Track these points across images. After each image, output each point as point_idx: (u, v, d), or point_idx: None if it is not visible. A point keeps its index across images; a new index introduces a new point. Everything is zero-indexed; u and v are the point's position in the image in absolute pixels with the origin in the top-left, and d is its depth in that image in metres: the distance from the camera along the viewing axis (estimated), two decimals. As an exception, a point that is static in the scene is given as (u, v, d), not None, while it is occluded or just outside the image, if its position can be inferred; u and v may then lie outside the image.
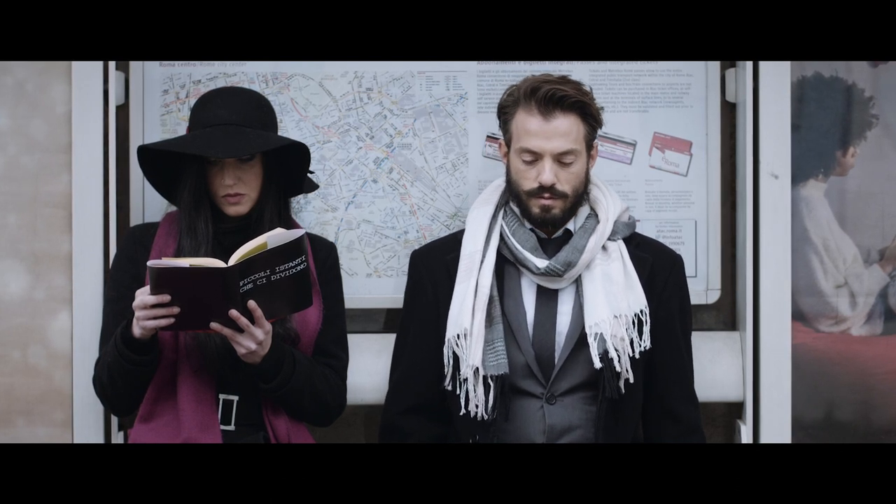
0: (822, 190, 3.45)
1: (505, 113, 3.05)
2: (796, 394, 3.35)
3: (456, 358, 3.02)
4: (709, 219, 3.43)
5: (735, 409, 3.41)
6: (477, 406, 2.99)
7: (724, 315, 3.48)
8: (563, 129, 2.98)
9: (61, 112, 3.30)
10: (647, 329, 3.02)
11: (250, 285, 2.82)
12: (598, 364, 2.97)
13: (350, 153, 3.41)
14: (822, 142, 3.44)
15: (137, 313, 2.85)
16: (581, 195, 3.05)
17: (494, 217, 3.10)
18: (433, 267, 3.13)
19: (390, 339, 3.22)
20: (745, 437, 3.34)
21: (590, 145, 3.04)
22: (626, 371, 2.99)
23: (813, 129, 3.44)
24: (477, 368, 2.98)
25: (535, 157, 2.99)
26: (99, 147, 3.29)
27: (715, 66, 3.42)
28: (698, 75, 3.42)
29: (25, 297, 3.30)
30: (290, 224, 3.10)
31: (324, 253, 3.17)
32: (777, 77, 3.34)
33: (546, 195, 3.00)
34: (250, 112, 3.07)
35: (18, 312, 3.30)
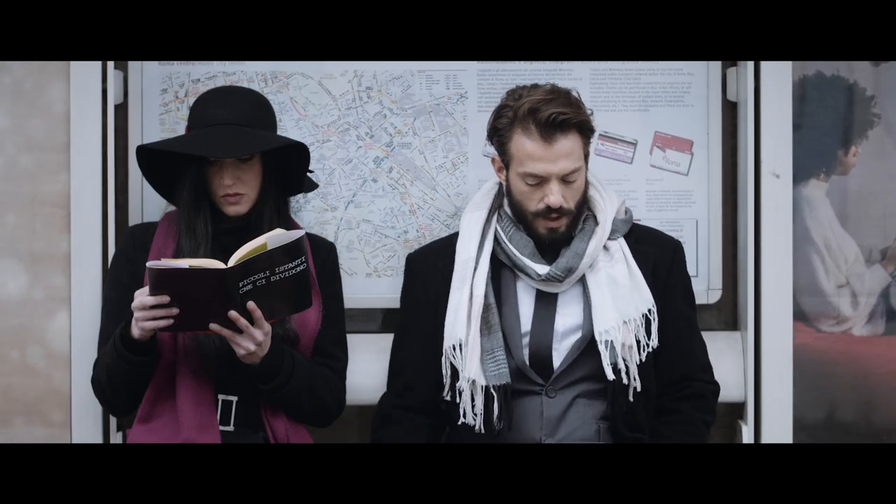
0: (824, 189, 3.44)
1: (500, 134, 3.01)
2: (797, 394, 3.35)
3: (454, 368, 3.01)
4: (710, 218, 3.42)
5: (736, 410, 3.40)
6: (476, 416, 2.98)
7: (725, 315, 3.48)
8: (566, 151, 2.95)
9: (60, 111, 3.29)
10: (654, 328, 3.01)
11: (250, 286, 2.81)
12: (611, 376, 2.97)
13: (350, 152, 3.41)
14: (823, 141, 3.44)
15: (136, 314, 2.84)
16: (583, 204, 3.04)
17: (488, 221, 3.08)
18: (428, 271, 3.12)
19: (390, 339, 3.21)
20: (747, 437, 3.33)
21: (587, 154, 3.02)
22: (634, 380, 2.98)
23: (814, 128, 3.43)
24: (474, 380, 2.97)
25: (540, 181, 2.97)
26: (97, 146, 3.28)
27: (716, 65, 3.42)
28: (699, 74, 3.41)
29: (24, 297, 3.30)
30: (290, 223, 3.10)
31: (323, 253, 3.16)
32: (778, 76, 3.33)
33: (553, 215, 2.98)
34: (249, 111, 3.06)
35: (17, 312, 3.30)
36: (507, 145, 3.00)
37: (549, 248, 3.03)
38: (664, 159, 3.42)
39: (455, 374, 3.02)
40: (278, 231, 2.85)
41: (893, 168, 3.45)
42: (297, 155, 3.06)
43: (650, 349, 3.01)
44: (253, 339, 2.86)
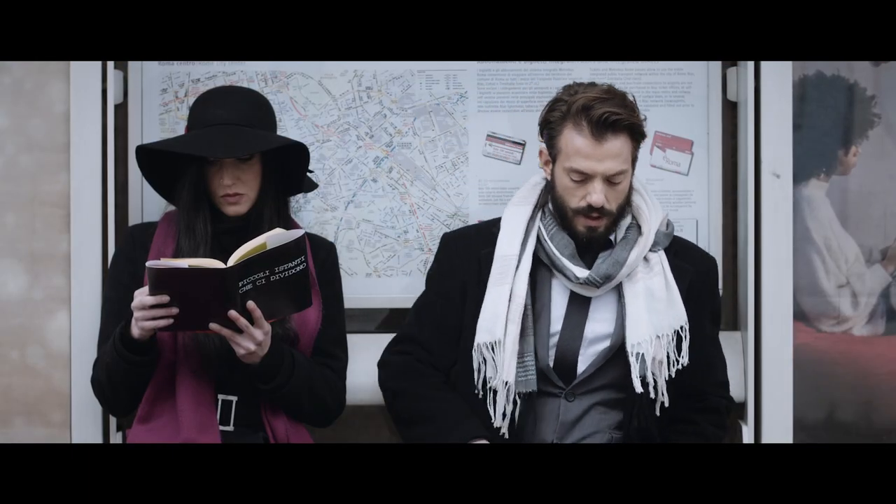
0: (824, 189, 3.44)
1: (550, 127, 2.99)
2: (798, 394, 3.34)
3: (485, 363, 2.99)
4: (710, 218, 3.42)
5: (736, 410, 3.40)
6: (504, 416, 2.97)
7: (726, 315, 3.47)
8: (614, 151, 2.93)
9: (59, 111, 3.29)
10: (685, 345, 3.00)
11: (249, 286, 2.81)
12: (639, 388, 2.96)
13: (349, 152, 3.40)
14: (823, 141, 3.44)
15: (136, 314, 2.84)
16: (625, 208, 3.02)
17: (532, 218, 3.06)
18: (465, 257, 3.08)
19: (390, 339, 3.21)
20: (747, 437, 3.33)
21: (635, 158, 3.00)
22: (662, 395, 2.98)
23: (814, 128, 3.43)
24: (507, 382, 2.96)
25: (585, 178, 2.95)
26: (97, 146, 3.28)
27: (716, 65, 3.42)
28: (699, 74, 3.41)
29: (24, 297, 3.29)
30: (290, 223, 3.09)
31: (323, 253, 3.16)
32: (778, 76, 3.33)
33: (594, 214, 2.96)
34: (249, 111, 3.06)
35: (16, 312, 3.29)
36: (556, 139, 2.98)
37: (587, 247, 3.00)
38: (664, 159, 3.42)
39: (485, 369, 3.00)
40: (278, 231, 2.85)
41: (894, 168, 3.45)
42: (296, 155, 3.06)
43: (680, 366, 2.99)
44: (253, 338, 2.86)
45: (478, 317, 3.02)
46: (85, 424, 3.27)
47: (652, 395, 2.98)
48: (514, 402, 2.97)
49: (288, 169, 3.09)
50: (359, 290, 3.38)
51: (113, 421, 3.28)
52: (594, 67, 3.40)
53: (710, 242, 3.41)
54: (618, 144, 2.93)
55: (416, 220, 3.41)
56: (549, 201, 3.04)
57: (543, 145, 3.03)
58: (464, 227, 3.27)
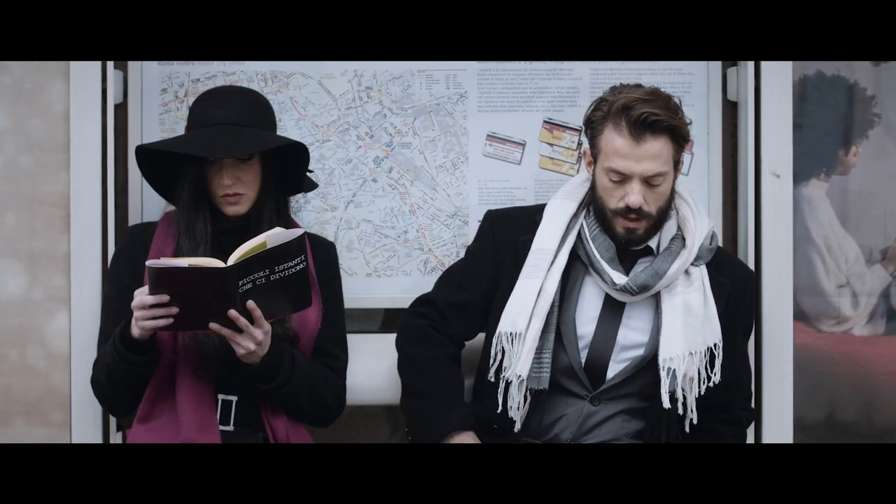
0: (824, 189, 3.44)
1: (593, 126, 2.97)
2: (798, 394, 3.34)
3: (503, 353, 2.99)
4: (710, 218, 3.40)
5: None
6: (518, 412, 2.97)
7: (726, 315, 3.47)
8: (653, 153, 2.91)
9: (59, 111, 3.29)
10: (718, 363, 2.98)
11: (249, 285, 2.81)
12: (667, 404, 2.95)
13: (349, 152, 3.40)
14: (823, 141, 3.43)
15: (136, 314, 2.84)
16: (666, 212, 3.00)
17: (576, 215, 3.04)
18: (505, 240, 3.07)
19: (390, 339, 3.21)
20: (748, 437, 3.31)
21: (677, 161, 2.98)
22: (691, 412, 2.97)
23: (815, 128, 3.43)
24: (520, 376, 2.96)
25: (623, 178, 2.93)
26: (97, 146, 3.28)
27: (716, 64, 3.41)
28: (699, 74, 3.41)
29: (23, 297, 3.29)
30: (290, 223, 3.09)
31: (323, 252, 3.16)
32: (779, 76, 3.33)
33: (632, 216, 2.94)
34: (249, 111, 3.06)
35: (16, 312, 3.29)
36: (597, 138, 2.96)
37: (626, 248, 2.99)
38: (664, 159, 3.42)
39: (502, 358, 3.00)
40: (278, 230, 2.85)
41: (894, 168, 3.45)
42: (296, 155, 3.06)
43: (712, 383, 2.98)
44: (253, 338, 2.86)
45: (505, 303, 3.01)
46: (85, 424, 3.27)
47: (680, 412, 2.96)
48: (525, 397, 2.97)
49: (288, 169, 3.09)
50: (359, 290, 3.38)
51: (113, 421, 3.28)
52: (594, 67, 3.40)
53: (711, 242, 3.41)
54: (657, 146, 2.91)
55: (416, 220, 3.41)
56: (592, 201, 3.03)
57: (587, 145, 3.03)
58: (510, 207, 3.23)
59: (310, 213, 3.39)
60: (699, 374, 2.96)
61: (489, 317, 3.06)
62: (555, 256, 3.00)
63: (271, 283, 2.82)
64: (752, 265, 3.31)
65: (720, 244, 3.15)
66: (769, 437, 3.32)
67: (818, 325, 3.45)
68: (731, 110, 3.43)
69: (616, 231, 2.97)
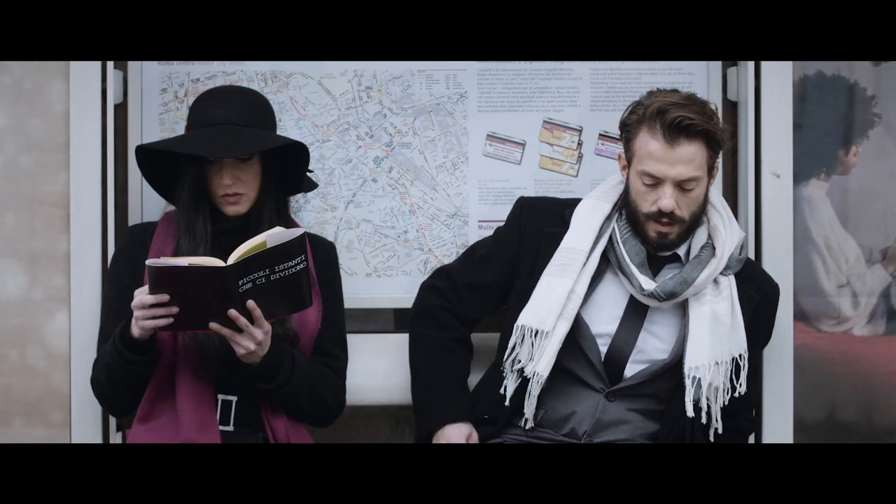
0: (825, 189, 3.44)
1: (627, 130, 2.98)
2: (798, 394, 3.34)
3: (521, 344, 3.00)
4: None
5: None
6: (526, 404, 2.98)
7: (726, 315, 3.47)
8: (686, 157, 2.91)
9: (59, 111, 3.29)
10: (743, 374, 2.98)
11: (249, 284, 2.80)
12: (691, 413, 2.95)
13: (349, 152, 3.40)
14: (824, 141, 3.43)
15: (136, 313, 2.84)
16: (699, 218, 3.00)
17: (609, 217, 3.04)
18: (532, 228, 3.08)
19: (390, 339, 3.21)
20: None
21: (711, 167, 2.97)
22: (716, 421, 2.97)
23: (815, 128, 3.42)
24: (537, 373, 2.96)
25: (656, 182, 2.93)
26: (97, 146, 3.28)
27: (716, 64, 3.41)
28: (700, 74, 3.41)
29: (23, 297, 3.29)
30: (290, 223, 3.09)
31: (323, 253, 3.15)
32: (779, 76, 3.33)
33: (664, 220, 2.94)
34: (249, 111, 3.06)
35: (16, 312, 3.29)
36: (632, 142, 2.97)
37: (656, 253, 2.99)
38: (664, 159, 3.41)
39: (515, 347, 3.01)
40: (278, 229, 2.85)
41: (894, 168, 3.45)
42: (296, 155, 3.06)
43: (737, 394, 2.98)
44: (253, 338, 2.85)
45: (524, 292, 3.01)
46: (85, 424, 3.27)
47: (703, 420, 2.96)
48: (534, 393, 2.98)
49: (288, 169, 3.08)
50: (359, 290, 3.38)
51: (113, 421, 3.28)
52: (594, 67, 3.40)
53: (711, 242, 3.41)
54: (691, 150, 2.91)
55: (416, 220, 3.41)
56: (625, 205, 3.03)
57: (622, 149, 3.03)
58: (542, 196, 3.26)
59: (310, 213, 3.39)
60: (723, 384, 2.96)
61: (506, 305, 3.06)
62: (587, 258, 3.00)
63: (271, 283, 2.82)
64: (752, 265, 3.31)
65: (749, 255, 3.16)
66: (769, 437, 3.32)
67: (818, 325, 3.45)
68: (731, 110, 3.43)
69: (648, 235, 2.97)
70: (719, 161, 3.02)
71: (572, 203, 3.09)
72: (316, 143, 3.39)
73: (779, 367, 3.32)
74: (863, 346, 3.46)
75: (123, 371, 2.94)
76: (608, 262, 3.03)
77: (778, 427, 3.32)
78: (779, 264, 3.32)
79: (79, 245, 3.27)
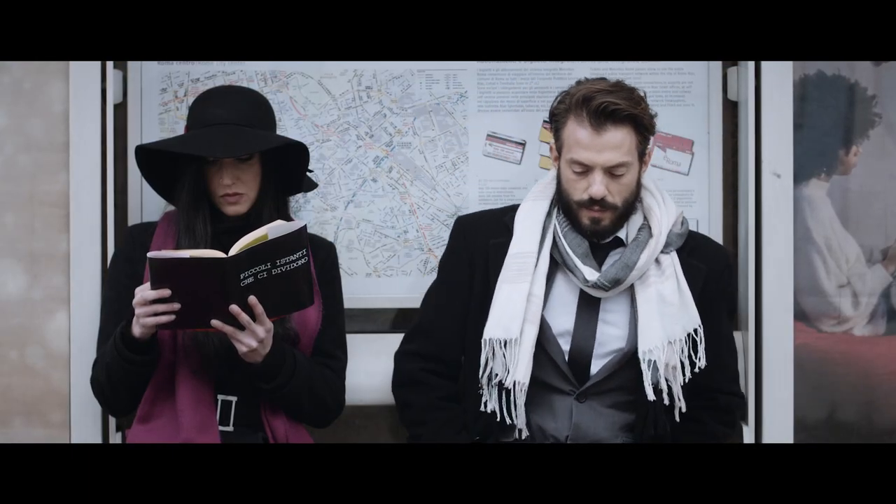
0: (825, 189, 3.44)
1: (556, 120, 2.99)
2: (799, 394, 3.34)
3: (492, 358, 2.99)
4: (710, 218, 3.41)
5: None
6: (514, 415, 2.97)
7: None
8: (614, 143, 2.91)
9: (59, 111, 3.29)
10: (701, 348, 2.99)
11: (251, 279, 2.80)
12: (651, 396, 2.95)
13: (349, 152, 3.40)
14: (824, 141, 3.43)
15: (137, 310, 2.83)
16: (632, 204, 3.00)
17: (549, 214, 3.05)
18: (475, 246, 3.07)
19: (390, 339, 3.21)
20: (748, 437, 3.32)
21: (642, 153, 2.98)
22: (679, 400, 2.97)
23: (815, 127, 3.42)
24: (518, 382, 2.95)
25: (586, 169, 2.93)
26: (97, 146, 3.27)
27: (717, 64, 3.41)
28: (700, 74, 3.41)
29: (23, 297, 3.29)
30: (290, 223, 3.09)
31: (323, 253, 3.15)
32: (779, 75, 3.33)
33: (596, 207, 2.94)
34: (249, 111, 3.05)
35: (16, 312, 3.29)
36: (560, 131, 2.97)
37: (594, 242, 2.99)
38: (665, 159, 3.42)
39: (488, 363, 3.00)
40: (279, 222, 2.84)
41: (894, 167, 3.45)
42: (296, 154, 3.06)
43: (697, 368, 2.98)
44: (255, 335, 2.85)
45: (484, 307, 3.01)
46: (84, 424, 3.27)
47: (667, 402, 2.96)
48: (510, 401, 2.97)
49: (287, 169, 3.08)
50: (359, 290, 3.38)
51: (112, 421, 3.28)
52: (594, 67, 3.40)
53: (711, 242, 3.41)
54: (619, 136, 2.91)
55: (416, 220, 3.41)
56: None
57: (552, 140, 3.03)
58: (478, 211, 3.25)
59: (310, 212, 3.39)
60: (681, 362, 2.97)
61: (467, 323, 3.06)
62: (537, 259, 3.00)
63: (273, 278, 2.81)
64: (752, 265, 3.31)
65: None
66: (769, 437, 3.32)
67: (819, 325, 3.45)
68: (731, 110, 3.43)
69: (582, 223, 2.97)
70: (651, 146, 3.01)
71: (511, 209, 3.09)
72: (316, 142, 3.39)
73: (779, 367, 3.32)
74: (863, 347, 3.46)
75: (124, 371, 2.94)
76: (556, 262, 3.02)
77: (778, 427, 3.32)
78: (779, 264, 3.32)
79: (78, 245, 3.27)
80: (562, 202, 3.01)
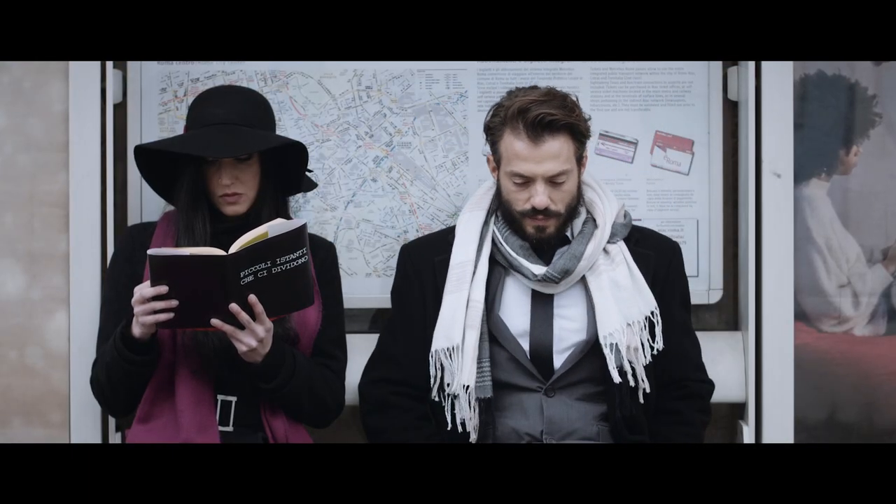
0: (825, 189, 3.43)
1: (492, 133, 3.01)
2: (799, 394, 3.34)
3: (442, 369, 3.01)
4: (711, 218, 3.41)
5: (737, 410, 3.40)
6: (463, 422, 2.98)
7: (726, 315, 3.47)
8: (553, 152, 2.94)
9: (58, 110, 3.28)
10: (658, 330, 3.01)
11: (251, 277, 2.79)
12: (617, 379, 2.96)
13: (349, 152, 3.40)
14: (824, 140, 3.43)
15: (136, 309, 2.83)
16: (575, 208, 3.03)
17: (486, 223, 3.07)
18: (421, 266, 3.10)
19: (390, 338, 3.20)
20: (748, 437, 3.32)
21: (580, 157, 3.01)
22: (643, 381, 2.99)
23: (816, 127, 3.42)
24: (468, 386, 2.96)
25: (527, 181, 2.96)
26: (96, 146, 3.27)
27: (717, 64, 3.41)
28: (700, 73, 3.41)
29: (22, 297, 3.29)
30: (289, 223, 3.09)
31: (322, 253, 3.15)
32: (779, 75, 3.32)
33: (540, 216, 2.97)
34: (248, 111, 3.05)
35: (15, 312, 3.29)
36: (497, 144, 3.00)
37: (539, 247, 3.02)
38: (665, 159, 3.41)
39: (442, 375, 3.01)
40: (279, 220, 2.84)
41: (895, 167, 3.45)
42: (295, 154, 3.05)
43: (656, 351, 3.00)
44: (255, 334, 2.85)
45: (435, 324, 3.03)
46: (84, 425, 3.26)
47: (632, 384, 2.98)
48: (473, 407, 2.97)
49: (287, 168, 3.08)
50: (358, 290, 3.38)
51: (112, 421, 3.28)
52: (594, 67, 3.40)
53: (711, 242, 3.41)
54: (556, 145, 2.93)
55: (416, 220, 3.41)
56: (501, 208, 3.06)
57: (489, 151, 3.04)
58: (421, 236, 3.28)
59: (309, 212, 3.39)
60: (642, 343, 2.98)
61: (424, 342, 3.06)
62: (475, 267, 3.02)
63: (273, 276, 2.80)
64: (752, 265, 3.31)
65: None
66: (769, 437, 3.32)
67: (819, 325, 3.45)
68: (731, 110, 3.43)
69: (527, 231, 3.00)
70: (587, 150, 3.02)
71: (453, 229, 3.11)
72: (315, 142, 3.39)
73: (779, 367, 3.32)
74: (863, 347, 3.46)
75: (123, 371, 2.93)
76: (502, 266, 3.04)
77: (778, 427, 3.32)
78: (779, 264, 3.32)
79: (78, 245, 3.27)
80: (504, 212, 3.03)
